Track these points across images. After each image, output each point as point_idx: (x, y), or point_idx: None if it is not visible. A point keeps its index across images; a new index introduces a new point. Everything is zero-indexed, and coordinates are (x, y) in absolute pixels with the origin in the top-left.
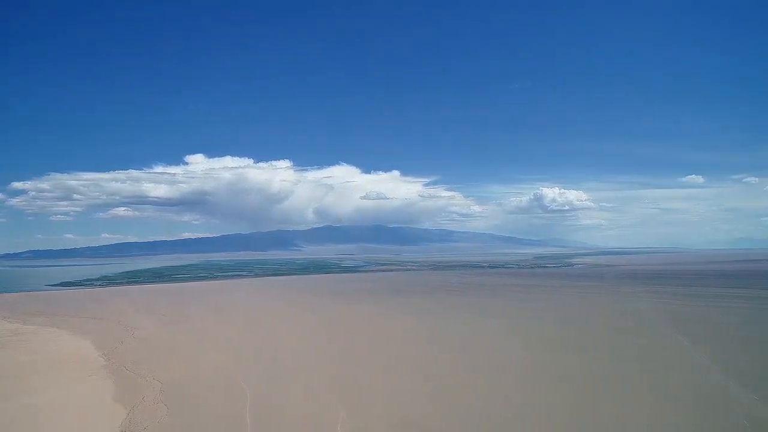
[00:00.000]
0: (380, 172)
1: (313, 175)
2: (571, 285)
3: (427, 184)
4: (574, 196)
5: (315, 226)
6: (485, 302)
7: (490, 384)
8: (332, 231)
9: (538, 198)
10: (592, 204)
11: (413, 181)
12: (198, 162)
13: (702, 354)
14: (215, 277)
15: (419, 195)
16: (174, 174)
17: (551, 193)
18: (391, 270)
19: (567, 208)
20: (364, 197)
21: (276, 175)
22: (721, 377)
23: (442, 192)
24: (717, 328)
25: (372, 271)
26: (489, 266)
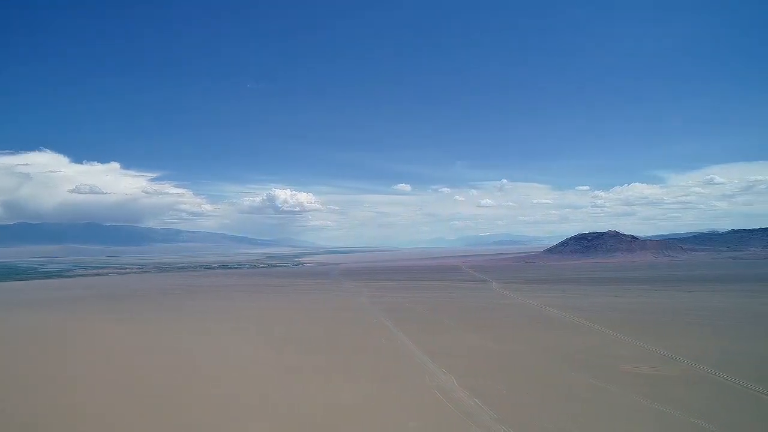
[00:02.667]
0: (95, 163)
1: (2, 161)
2: (299, 283)
3: (152, 180)
4: (305, 198)
5: (4, 223)
6: (213, 304)
7: (207, 392)
8: (29, 229)
9: (271, 198)
10: (321, 206)
11: (136, 175)
12: None
13: (406, 338)
14: None
15: (143, 191)
16: None
17: (283, 194)
18: (106, 274)
19: (298, 209)
20: (73, 191)
21: None
22: (417, 355)
23: (170, 188)
24: (415, 314)
25: (81, 275)
26: (220, 267)
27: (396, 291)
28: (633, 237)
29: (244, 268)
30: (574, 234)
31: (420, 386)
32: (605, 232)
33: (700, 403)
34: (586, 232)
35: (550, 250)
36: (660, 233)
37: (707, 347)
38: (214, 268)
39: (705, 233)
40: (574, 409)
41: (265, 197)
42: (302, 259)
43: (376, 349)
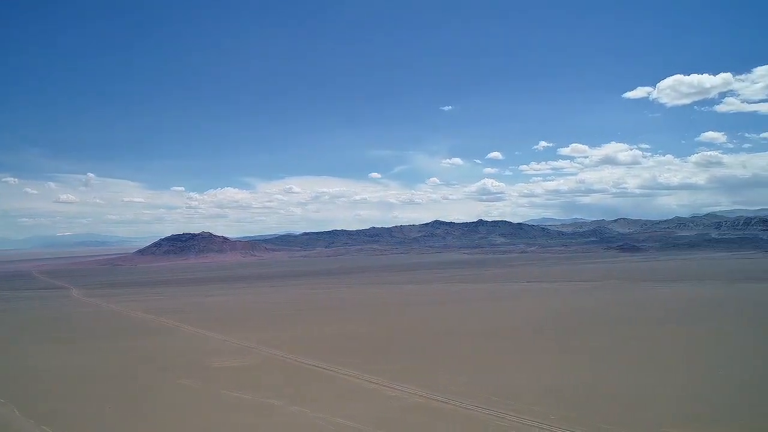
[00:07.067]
0: None
1: None
2: None
3: None
4: None
5: None
6: None
7: None
8: None
9: None
10: None
11: None
12: None
13: None
14: None
15: None
16: None
17: None
18: None
19: None
20: None
21: None
22: None
23: None
24: None
25: None
26: None
27: None
28: (224, 238)
29: None
30: (169, 235)
31: None
32: (198, 234)
33: (272, 384)
34: (180, 233)
35: (143, 252)
36: (248, 235)
37: (278, 336)
38: None
39: (284, 235)
40: (163, 415)
41: None
42: None
43: None
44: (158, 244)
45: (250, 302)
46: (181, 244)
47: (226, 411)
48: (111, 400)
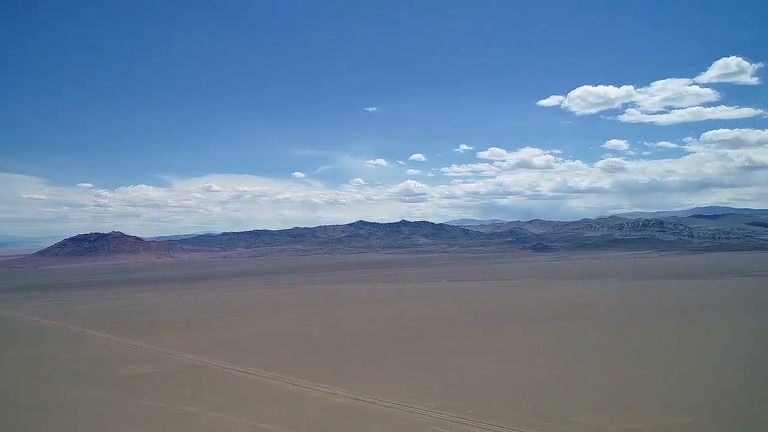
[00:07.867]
0: None
1: None
2: None
3: None
4: None
5: None
6: None
7: None
8: None
9: None
10: None
11: None
12: None
13: None
14: None
15: None
16: None
17: None
18: None
19: None
20: None
21: None
22: None
23: None
24: None
25: None
26: None
27: None
28: (137, 238)
29: None
30: (74, 235)
31: None
32: (108, 233)
33: (189, 390)
34: (88, 233)
35: (44, 253)
36: (163, 235)
37: (195, 340)
38: None
39: (203, 235)
40: (67, 428)
41: None
42: None
43: None
44: (62, 245)
45: (164, 305)
46: (88, 244)
47: (138, 421)
48: (9, 416)
